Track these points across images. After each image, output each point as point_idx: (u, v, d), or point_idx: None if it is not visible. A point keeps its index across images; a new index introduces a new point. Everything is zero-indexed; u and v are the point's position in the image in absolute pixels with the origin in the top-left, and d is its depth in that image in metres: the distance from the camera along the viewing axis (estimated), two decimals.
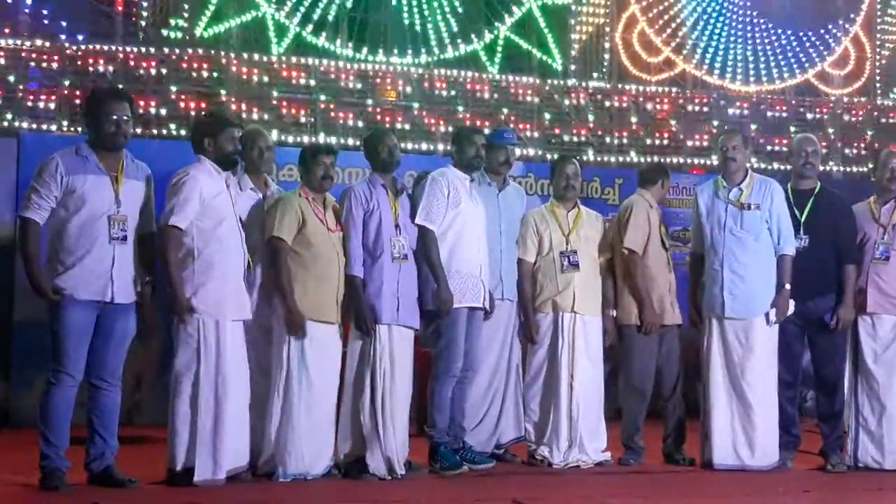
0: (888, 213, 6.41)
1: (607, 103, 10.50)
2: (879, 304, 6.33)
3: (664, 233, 6.62)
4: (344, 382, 5.79)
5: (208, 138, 5.52)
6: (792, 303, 6.29)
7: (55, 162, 5.20)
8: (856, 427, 6.39)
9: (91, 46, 9.32)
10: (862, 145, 11.08)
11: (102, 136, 5.27)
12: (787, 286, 6.27)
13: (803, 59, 11.28)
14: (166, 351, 5.56)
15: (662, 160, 9.65)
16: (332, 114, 9.78)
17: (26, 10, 9.30)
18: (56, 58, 9.19)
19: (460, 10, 10.32)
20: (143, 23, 9.65)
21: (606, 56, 10.72)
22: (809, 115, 11.00)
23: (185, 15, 9.67)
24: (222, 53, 9.63)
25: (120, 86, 8.68)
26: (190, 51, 9.53)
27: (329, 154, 5.84)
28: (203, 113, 9.28)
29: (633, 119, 10.53)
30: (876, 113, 11.26)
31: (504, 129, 6.99)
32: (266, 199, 5.83)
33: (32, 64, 9.26)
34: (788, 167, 7.05)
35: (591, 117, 10.41)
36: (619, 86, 10.65)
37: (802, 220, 6.38)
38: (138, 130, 8.69)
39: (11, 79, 9.11)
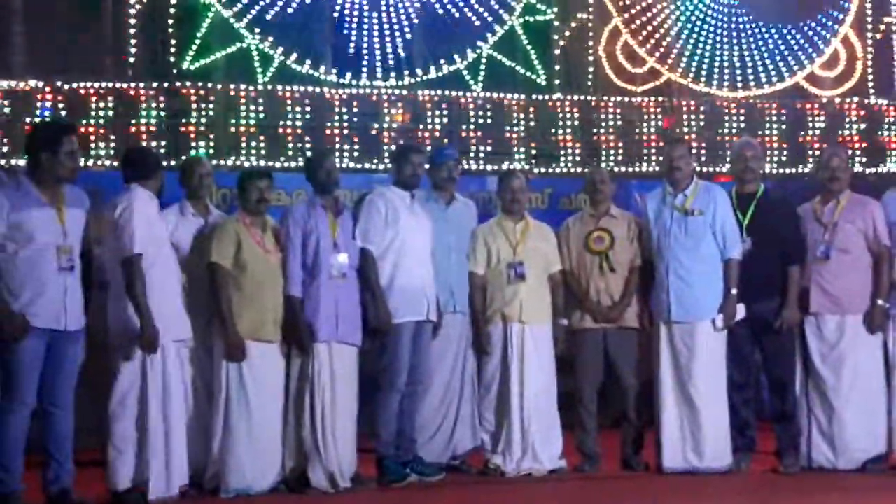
0: (830, 213, 6.43)
1: (593, 116, 10.58)
2: (821, 304, 6.35)
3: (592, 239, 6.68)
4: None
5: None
6: (742, 307, 6.34)
7: None
8: (809, 428, 6.39)
9: (85, 84, 9.65)
10: (856, 145, 11.01)
11: (58, 169, 5.39)
12: (734, 291, 6.33)
13: (792, 62, 11.25)
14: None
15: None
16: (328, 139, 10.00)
17: None
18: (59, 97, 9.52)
19: (442, 30, 10.48)
20: (133, 59, 9.95)
21: (591, 69, 10.80)
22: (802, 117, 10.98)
23: (173, 49, 9.96)
24: (210, 85, 9.91)
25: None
26: (178, 83, 9.81)
27: (263, 178, 6.05)
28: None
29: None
30: (869, 112, 11.18)
31: (445, 147, 7.16)
32: (208, 224, 6.06)
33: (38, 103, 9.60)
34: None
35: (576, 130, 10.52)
36: (605, 98, 10.71)
37: (746, 223, 6.43)
38: None
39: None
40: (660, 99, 10.79)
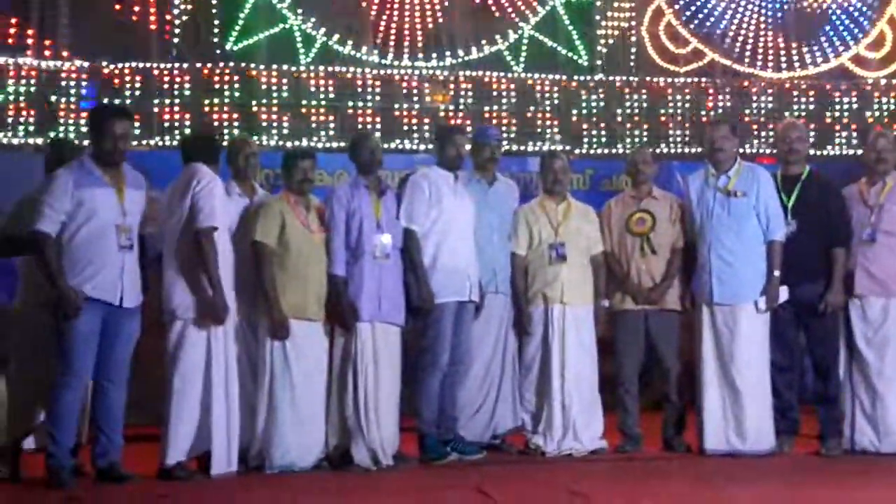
0: (876, 195, 6.37)
1: (635, 97, 10.55)
2: (867, 286, 6.30)
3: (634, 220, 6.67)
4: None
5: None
6: (785, 289, 6.31)
7: (64, 176, 5.45)
8: (852, 410, 6.36)
9: (126, 65, 9.77)
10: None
11: (102, 151, 5.54)
12: (777, 273, 6.29)
13: (837, 43, 11.13)
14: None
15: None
16: (360, 119, 10.08)
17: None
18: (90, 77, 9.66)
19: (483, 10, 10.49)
20: (176, 40, 10.05)
21: (633, 49, 10.76)
22: (846, 100, 10.84)
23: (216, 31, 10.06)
24: (252, 66, 10.01)
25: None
26: (221, 65, 9.92)
27: (306, 158, 6.10)
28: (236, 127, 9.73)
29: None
30: None
31: (487, 127, 7.17)
32: (253, 203, 6.11)
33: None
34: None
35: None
36: (647, 79, 10.66)
37: (790, 205, 6.39)
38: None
39: (53, 98, 9.59)
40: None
